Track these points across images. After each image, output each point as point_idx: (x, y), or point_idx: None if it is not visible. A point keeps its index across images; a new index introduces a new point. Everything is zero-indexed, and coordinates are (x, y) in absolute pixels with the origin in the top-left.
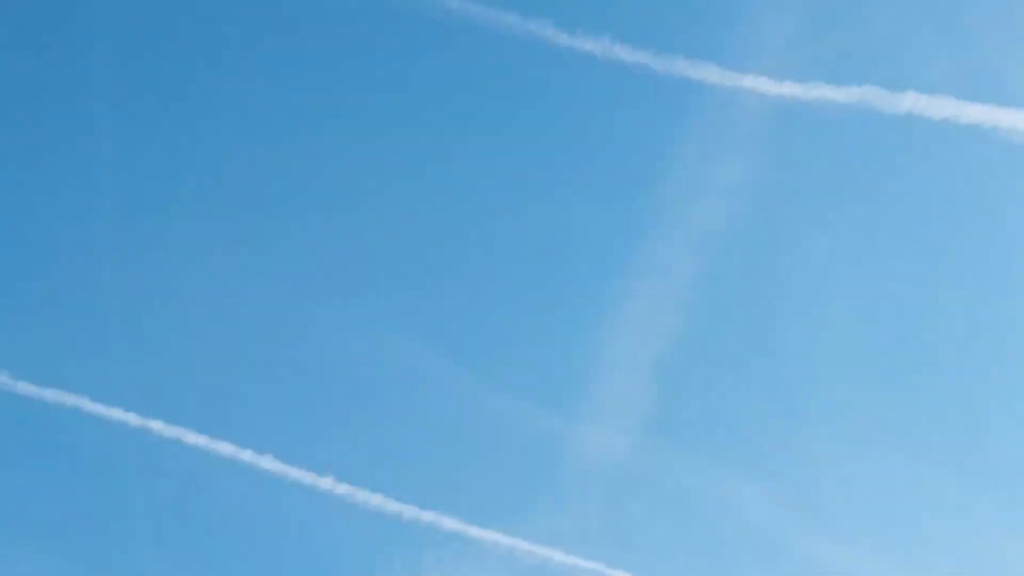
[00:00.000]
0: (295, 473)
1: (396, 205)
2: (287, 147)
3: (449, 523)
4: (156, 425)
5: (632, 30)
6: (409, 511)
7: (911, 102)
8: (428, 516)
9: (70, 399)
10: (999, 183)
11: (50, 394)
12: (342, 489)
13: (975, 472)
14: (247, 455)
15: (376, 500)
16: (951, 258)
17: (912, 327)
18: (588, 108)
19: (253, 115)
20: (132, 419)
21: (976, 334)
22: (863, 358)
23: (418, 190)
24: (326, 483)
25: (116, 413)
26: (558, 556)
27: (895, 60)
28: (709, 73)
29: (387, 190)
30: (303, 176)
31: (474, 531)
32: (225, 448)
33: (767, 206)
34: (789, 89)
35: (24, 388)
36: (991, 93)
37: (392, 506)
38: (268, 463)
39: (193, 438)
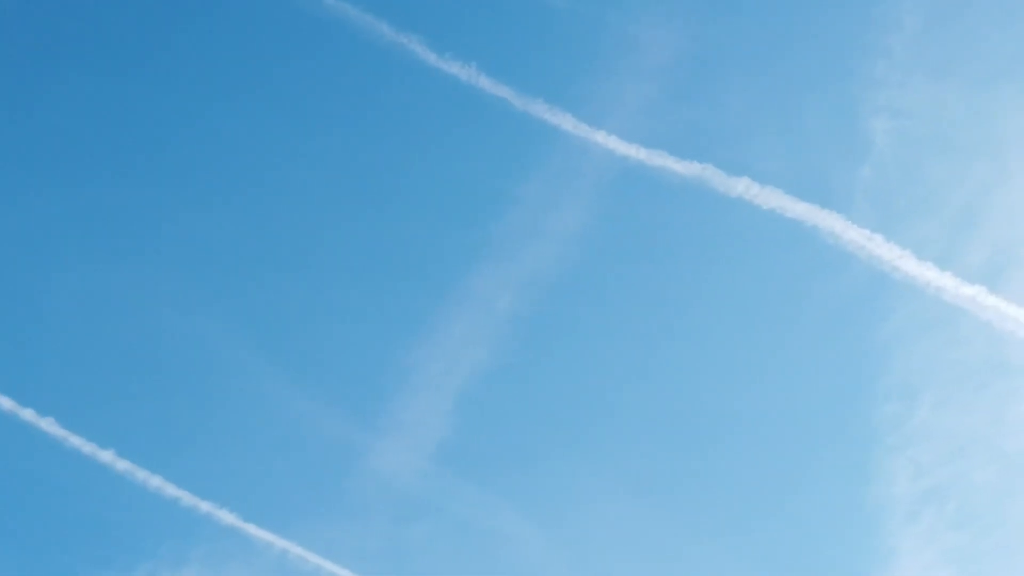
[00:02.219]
0: (75, 440)
1: (241, 205)
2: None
3: (225, 516)
4: None
5: (501, 64)
6: (186, 497)
7: (744, 187)
8: (205, 506)
9: None
10: (808, 280)
11: None
12: (122, 465)
13: (704, 520)
14: (28, 413)
15: (155, 481)
16: (739, 336)
17: (689, 395)
18: (442, 129)
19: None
20: None
21: (745, 411)
22: (642, 416)
23: (261, 194)
24: (106, 456)
25: None
26: (329, 566)
27: (738, 145)
28: (564, 121)
29: (235, 191)
30: (148, 170)
31: (250, 528)
32: (4, 402)
33: (592, 258)
34: (635, 152)
35: None
36: (815, 193)
37: (170, 490)
38: (48, 426)
39: None
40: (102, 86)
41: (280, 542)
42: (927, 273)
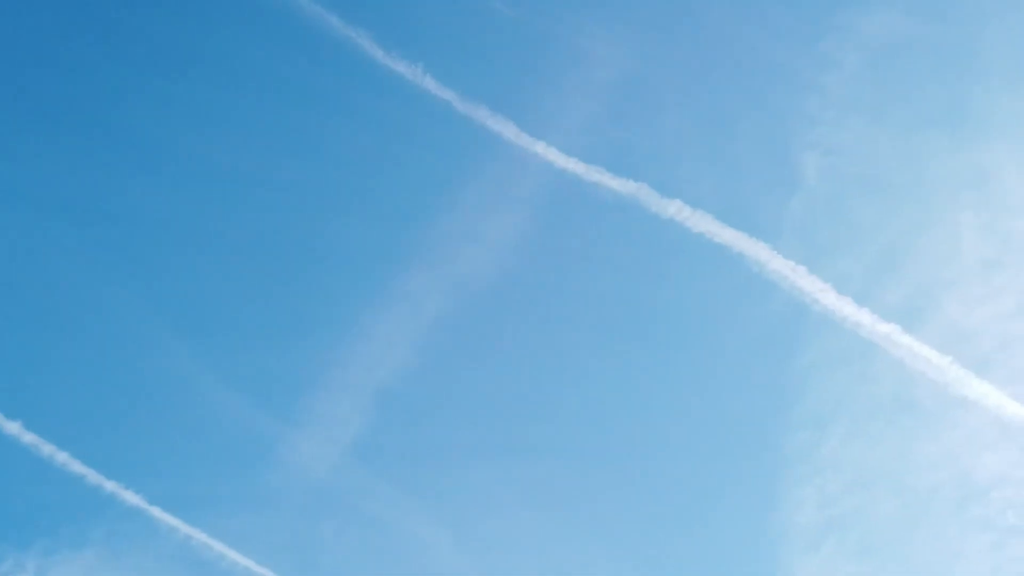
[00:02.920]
0: None
1: (171, 191)
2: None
3: (130, 498)
4: None
5: (449, 68)
6: (91, 476)
7: (676, 209)
8: (110, 486)
9: None
10: (731, 305)
11: None
12: (28, 438)
13: (610, 537)
14: None
15: (61, 457)
16: (659, 355)
17: (605, 410)
18: (384, 126)
19: None
20: None
21: (658, 430)
22: (557, 428)
23: (193, 182)
24: (12, 427)
25: None
26: (232, 555)
27: (673, 168)
28: (506, 129)
29: (164, 179)
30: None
31: (154, 511)
32: None
33: (524, 267)
34: (573, 166)
35: None
36: (744, 221)
37: (76, 467)
38: None
39: None
40: None
41: (185, 528)
42: (846, 308)
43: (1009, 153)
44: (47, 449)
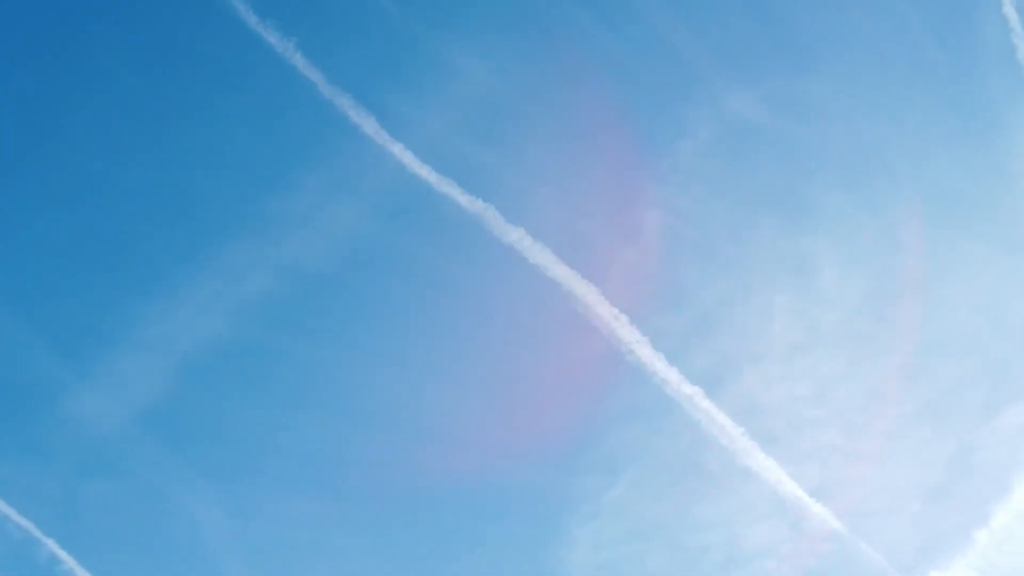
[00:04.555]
0: None
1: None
2: None
3: None
4: None
5: (321, 50)
6: None
7: (518, 237)
8: None
9: None
10: (550, 340)
11: None
12: None
13: (393, 550)
14: None
15: None
16: (467, 373)
17: (405, 419)
18: (241, 88)
19: None
20: None
21: (453, 449)
22: (354, 428)
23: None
24: None
25: None
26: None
27: (524, 196)
28: (367, 123)
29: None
30: None
31: None
32: None
33: (356, 261)
34: (426, 174)
35: None
36: (580, 262)
37: None
38: None
39: None
40: None
41: None
42: (657, 363)
43: (830, 246)
44: None
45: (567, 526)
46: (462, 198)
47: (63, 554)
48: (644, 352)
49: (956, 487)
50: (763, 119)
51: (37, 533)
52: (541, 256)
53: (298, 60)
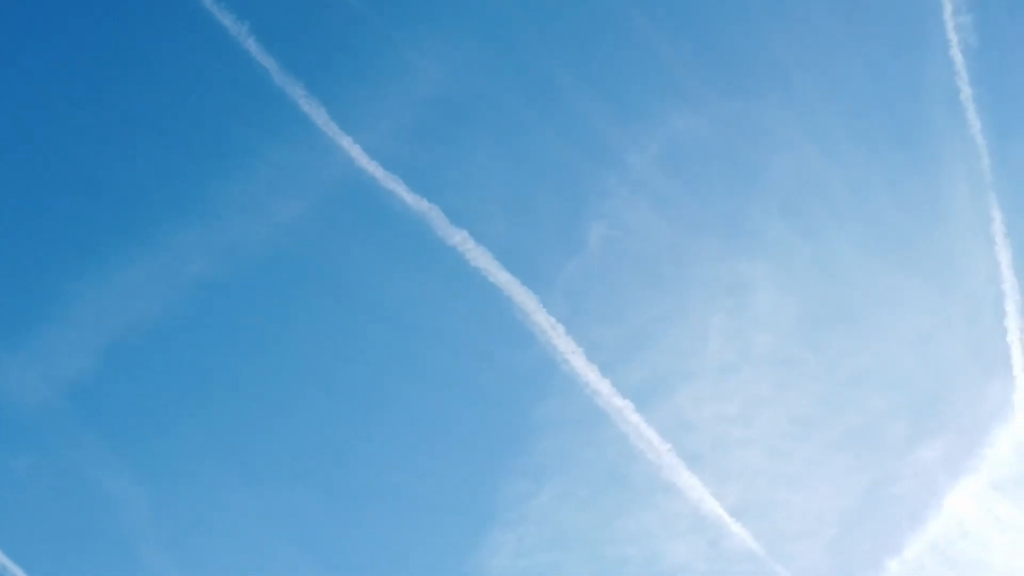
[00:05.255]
0: None
1: None
2: None
3: None
4: None
5: (275, 37)
6: None
7: (461, 239)
8: None
9: None
10: (486, 345)
11: None
12: None
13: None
14: None
15: None
16: (397, 372)
17: (331, 416)
18: (187, 70)
19: None
20: None
21: (377, 447)
22: (284, 419)
23: None
24: None
25: None
26: None
27: (470, 199)
28: (318, 113)
29: None
30: None
31: None
32: None
33: (293, 251)
34: (373, 169)
35: None
36: (521, 269)
37: None
38: None
39: None
40: None
41: None
42: (590, 374)
43: (767, 271)
44: None
45: (489, 530)
46: (408, 196)
47: None
48: (578, 362)
49: (872, 516)
50: (712, 140)
51: None
52: (483, 260)
53: (251, 45)
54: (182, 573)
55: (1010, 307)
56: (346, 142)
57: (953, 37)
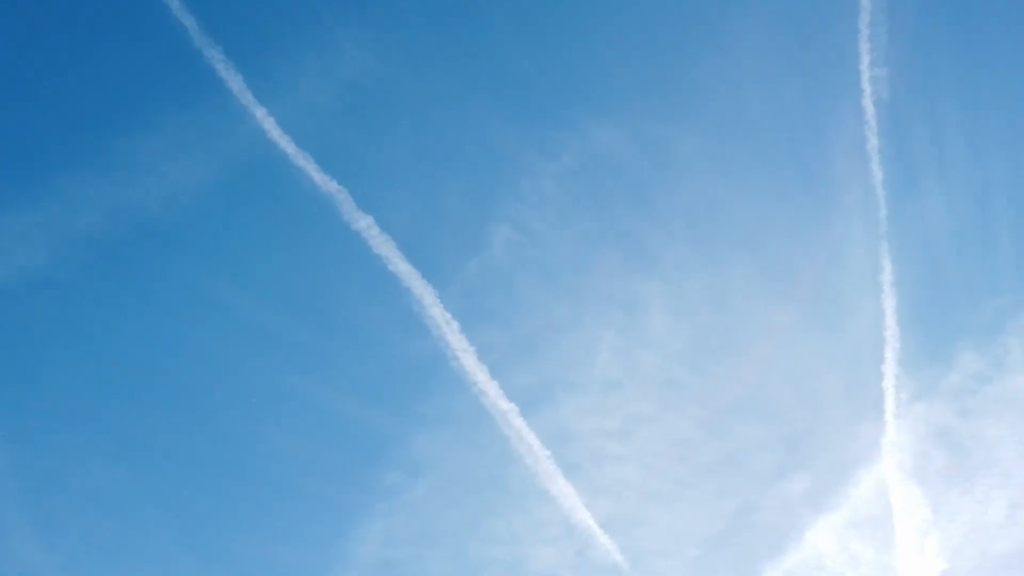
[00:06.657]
0: None
1: None
2: None
3: None
4: None
5: (233, 24)
6: None
7: (366, 224)
8: None
9: None
10: (377, 333)
11: None
12: None
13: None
14: None
15: None
16: (286, 356)
17: (210, 406)
18: (102, 26)
19: None
20: None
21: (253, 437)
22: (149, 395)
23: None
24: None
25: None
26: None
27: (379, 184)
28: (234, 80)
29: None
30: None
31: None
32: None
33: (192, 214)
34: (285, 144)
35: None
36: (422, 262)
37: None
38: None
39: None
40: None
41: None
42: (479, 374)
43: (661, 291)
44: None
45: (359, 520)
46: (317, 176)
47: None
48: (469, 361)
49: (735, 541)
50: (624, 157)
51: None
52: (385, 248)
53: (174, 2)
54: (39, 534)
55: (889, 354)
56: (260, 112)
57: (867, 88)
